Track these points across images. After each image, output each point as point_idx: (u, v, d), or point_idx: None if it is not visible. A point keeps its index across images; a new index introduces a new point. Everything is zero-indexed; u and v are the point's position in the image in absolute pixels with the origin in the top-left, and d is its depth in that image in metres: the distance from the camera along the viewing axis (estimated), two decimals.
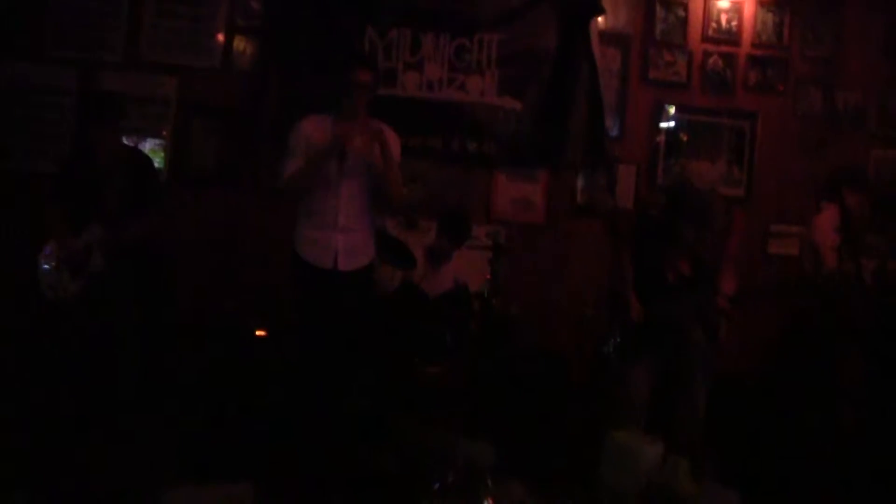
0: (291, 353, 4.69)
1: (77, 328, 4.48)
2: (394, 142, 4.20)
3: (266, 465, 3.96)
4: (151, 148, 5.64)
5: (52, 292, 4.47)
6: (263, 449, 4.22)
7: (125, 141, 4.91)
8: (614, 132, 5.85)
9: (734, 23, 5.97)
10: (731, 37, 5.96)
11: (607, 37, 5.82)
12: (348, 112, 4.09)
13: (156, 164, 5.28)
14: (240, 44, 5.73)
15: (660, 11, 5.93)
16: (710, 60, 5.95)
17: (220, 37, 5.72)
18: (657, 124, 5.93)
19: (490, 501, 3.27)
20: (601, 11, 5.68)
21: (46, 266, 4.48)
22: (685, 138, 5.91)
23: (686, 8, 5.93)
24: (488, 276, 5.23)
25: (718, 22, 5.96)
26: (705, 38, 5.95)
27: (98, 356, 4.45)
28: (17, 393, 4.49)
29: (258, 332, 5.21)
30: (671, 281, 4.35)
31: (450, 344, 5.00)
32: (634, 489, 3.61)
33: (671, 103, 5.93)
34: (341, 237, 4.12)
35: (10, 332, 4.99)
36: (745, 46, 5.97)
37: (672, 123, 5.94)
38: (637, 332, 4.31)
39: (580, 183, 5.87)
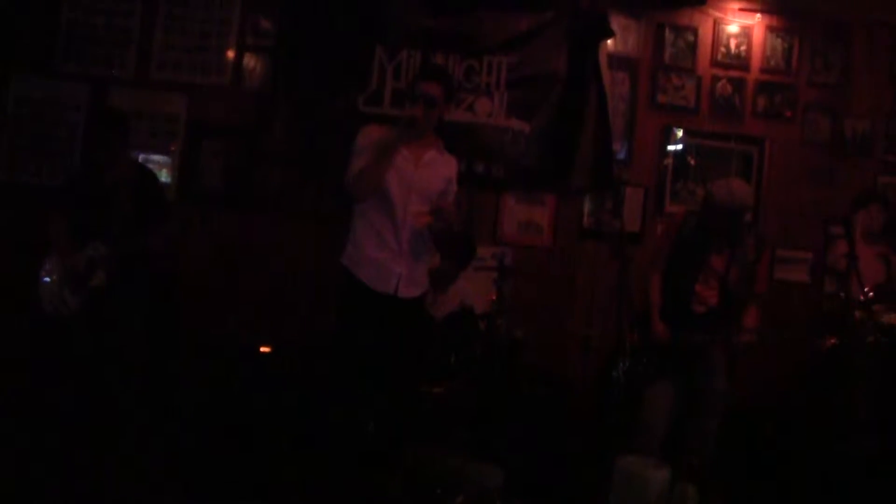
0: (309, 370, 4.70)
1: (76, 343, 4.48)
2: (457, 170, 4.12)
3: (272, 487, 3.94)
4: (159, 165, 5.66)
5: (51, 306, 4.48)
6: (269, 469, 4.22)
7: (133, 157, 4.95)
8: (622, 155, 5.85)
9: (743, 48, 5.97)
10: (740, 62, 5.97)
11: (616, 60, 5.83)
12: (417, 130, 3.88)
13: (163, 182, 5.31)
14: (249, 62, 5.76)
15: (669, 36, 5.95)
16: (719, 85, 5.96)
17: (230, 55, 5.75)
18: (665, 148, 5.93)
19: None
20: (610, 35, 5.69)
21: (47, 279, 4.50)
22: (693, 162, 5.91)
23: (695, 33, 5.95)
24: (494, 298, 5.22)
25: (728, 47, 5.97)
26: (714, 63, 5.96)
27: (97, 372, 4.45)
28: (15, 408, 4.48)
29: (263, 349, 5.22)
30: (699, 311, 4.35)
31: (455, 365, 4.99)
32: None
33: (679, 127, 5.92)
34: (405, 264, 3.97)
35: (9, 344, 5.00)
36: (754, 72, 5.98)
37: (680, 147, 5.94)
38: (660, 355, 4.30)
39: (587, 206, 5.87)
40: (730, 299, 4.38)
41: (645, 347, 4.38)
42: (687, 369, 4.36)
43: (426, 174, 3.96)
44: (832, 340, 4.75)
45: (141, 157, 5.49)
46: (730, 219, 4.33)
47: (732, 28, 5.96)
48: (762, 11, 5.96)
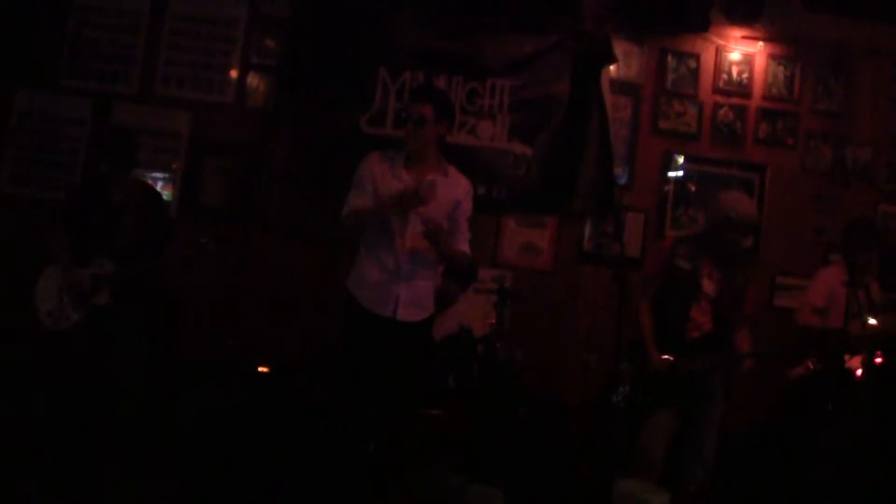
0: (308, 391, 4.67)
1: (75, 360, 4.45)
2: (469, 191, 4.08)
3: None
4: (161, 182, 5.68)
5: (50, 320, 4.46)
6: (269, 490, 4.19)
7: (138, 177, 4.95)
8: (623, 180, 5.87)
9: (745, 75, 6.00)
10: (741, 89, 5.99)
11: (619, 85, 5.86)
12: (413, 154, 3.96)
13: (165, 199, 5.32)
14: (253, 81, 5.78)
15: (671, 62, 5.97)
16: (721, 112, 5.98)
17: (234, 73, 5.78)
18: (666, 174, 5.94)
19: None
20: (613, 60, 5.72)
21: (47, 293, 4.48)
22: (693, 189, 5.92)
23: (698, 59, 5.98)
24: (493, 321, 5.21)
25: (730, 74, 6.00)
26: (716, 90, 5.98)
27: (95, 390, 4.43)
28: (11, 424, 4.46)
29: (261, 369, 5.20)
30: (693, 337, 4.34)
31: (453, 387, 4.97)
32: None
33: (681, 153, 5.93)
34: (404, 286, 3.94)
35: (7, 358, 4.98)
36: (756, 99, 6.00)
37: (681, 173, 5.95)
38: (659, 381, 4.30)
39: (587, 229, 5.87)
40: (723, 323, 4.37)
41: (643, 374, 4.37)
42: (685, 397, 4.35)
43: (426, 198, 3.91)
44: (810, 367, 4.73)
45: (143, 175, 5.49)
46: (735, 231, 4.32)
47: (734, 55, 5.99)
48: (764, 39, 5.99)
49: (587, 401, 5.29)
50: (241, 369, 5.15)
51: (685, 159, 5.94)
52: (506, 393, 5.18)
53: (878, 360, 4.57)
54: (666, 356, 4.32)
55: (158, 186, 5.55)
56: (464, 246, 4.06)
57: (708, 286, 4.39)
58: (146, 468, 4.32)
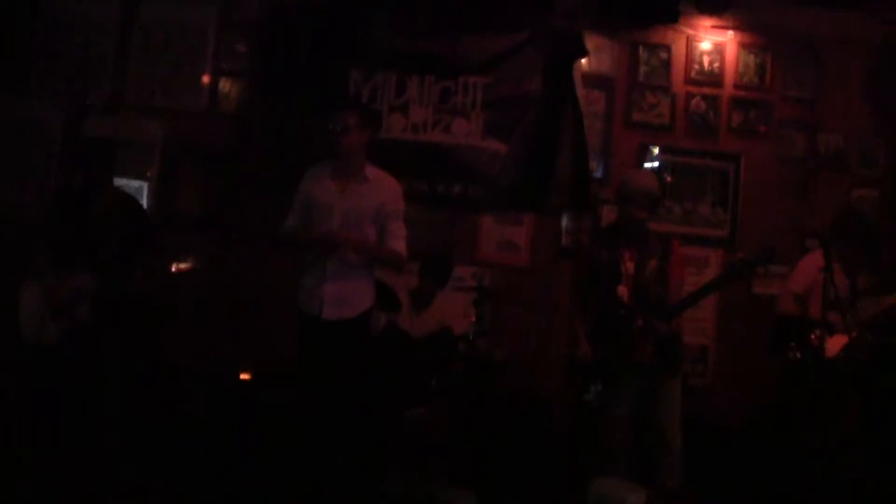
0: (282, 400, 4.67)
1: (57, 375, 4.41)
2: (395, 192, 4.21)
3: None
4: (136, 190, 5.62)
5: (31, 334, 4.40)
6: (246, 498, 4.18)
7: (116, 187, 4.90)
8: (598, 174, 5.87)
9: (717, 65, 6.01)
10: (713, 79, 6.00)
11: (591, 79, 5.87)
12: (341, 159, 4.12)
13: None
14: (225, 86, 5.76)
15: (643, 54, 5.98)
16: (693, 102, 5.99)
17: (206, 79, 5.75)
18: (641, 166, 5.94)
19: None
20: (585, 54, 5.72)
21: (29, 307, 4.43)
22: (669, 179, 5.93)
23: (669, 50, 5.99)
24: (473, 319, 5.21)
25: (701, 64, 6.01)
26: (688, 80, 5.99)
27: (78, 404, 4.39)
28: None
29: (243, 376, 5.19)
30: (619, 315, 4.37)
31: (434, 386, 4.98)
32: None
33: (655, 145, 5.95)
34: (329, 285, 4.08)
35: None
36: (728, 88, 6.01)
37: (656, 164, 5.96)
38: (608, 376, 4.32)
39: (564, 225, 5.87)
40: (645, 298, 4.39)
41: (592, 368, 4.41)
42: (634, 387, 4.38)
43: (349, 204, 4.08)
44: (796, 355, 4.73)
45: (117, 183, 5.43)
46: (635, 206, 4.40)
47: (705, 45, 6.01)
48: (734, 28, 6.01)
49: (568, 398, 5.30)
50: (218, 378, 5.13)
51: (660, 151, 5.96)
52: (487, 391, 5.20)
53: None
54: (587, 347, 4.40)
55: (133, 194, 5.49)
56: (396, 245, 4.16)
57: (629, 269, 4.42)
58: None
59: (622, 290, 4.39)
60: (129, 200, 4.81)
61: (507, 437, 5.09)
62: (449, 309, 5.28)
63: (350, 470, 4.10)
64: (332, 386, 4.08)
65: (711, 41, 6.01)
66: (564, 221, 5.84)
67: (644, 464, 4.38)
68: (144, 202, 5.62)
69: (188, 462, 4.61)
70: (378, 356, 4.81)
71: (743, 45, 6.03)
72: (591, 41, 5.78)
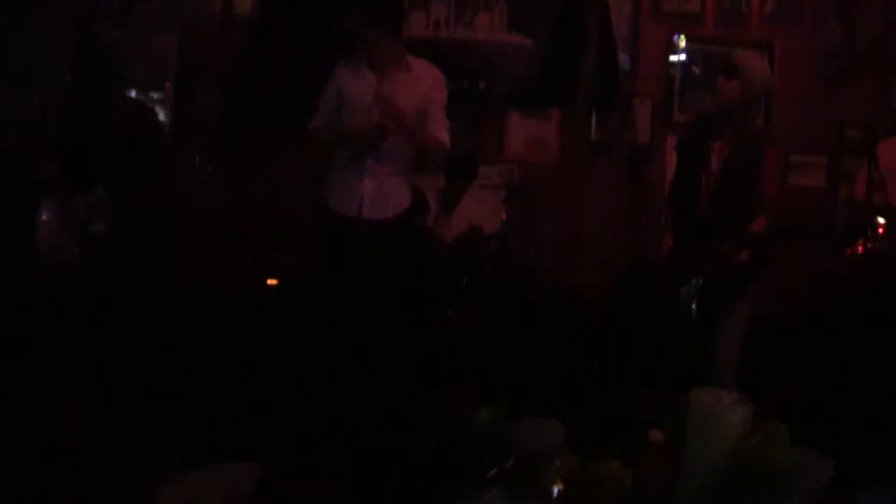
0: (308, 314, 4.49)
1: (76, 292, 4.35)
2: (439, 80, 4.04)
3: (275, 444, 3.62)
4: (153, 103, 5.49)
5: (49, 249, 4.36)
6: (271, 423, 3.97)
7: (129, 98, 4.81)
8: (626, 66, 5.68)
9: None
10: None
11: None
12: (377, 61, 3.92)
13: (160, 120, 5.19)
14: None
15: None
16: None
17: None
18: (670, 57, 5.74)
19: (561, 487, 2.73)
20: None
21: (46, 223, 4.38)
22: (698, 71, 5.74)
23: None
24: (504, 217, 5.10)
25: None
26: None
27: (98, 323, 4.32)
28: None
29: (270, 281, 5.10)
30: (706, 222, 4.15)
31: (467, 288, 4.89)
32: (721, 459, 2.90)
33: (685, 35, 5.73)
34: (369, 181, 3.87)
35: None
36: None
37: (684, 56, 5.75)
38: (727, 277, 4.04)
39: (595, 119, 5.69)
40: (729, 200, 4.09)
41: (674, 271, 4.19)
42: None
43: (391, 95, 3.85)
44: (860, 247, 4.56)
45: (135, 96, 5.33)
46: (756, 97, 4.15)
47: None
48: None
49: (606, 299, 5.18)
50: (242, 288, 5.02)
51: (689, 40, 5.73)
52: (521, 291, 5.10)
53: None
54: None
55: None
56: (440, 135, 3.95)
57: (715, 162, 4.20)
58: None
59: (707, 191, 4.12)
60: (144, 110, 4.73)
61: (543, 338, 4.94)
62: (477, 208, 5.17)
63: (390, 390, 3.83)
64: (368, 292, 3.87)
65: None
66: (594, 116, 5.68)
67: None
68: (163, 114, 5.50)
69: (214, 379, 4.46)
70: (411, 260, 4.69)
71: None
72: None
